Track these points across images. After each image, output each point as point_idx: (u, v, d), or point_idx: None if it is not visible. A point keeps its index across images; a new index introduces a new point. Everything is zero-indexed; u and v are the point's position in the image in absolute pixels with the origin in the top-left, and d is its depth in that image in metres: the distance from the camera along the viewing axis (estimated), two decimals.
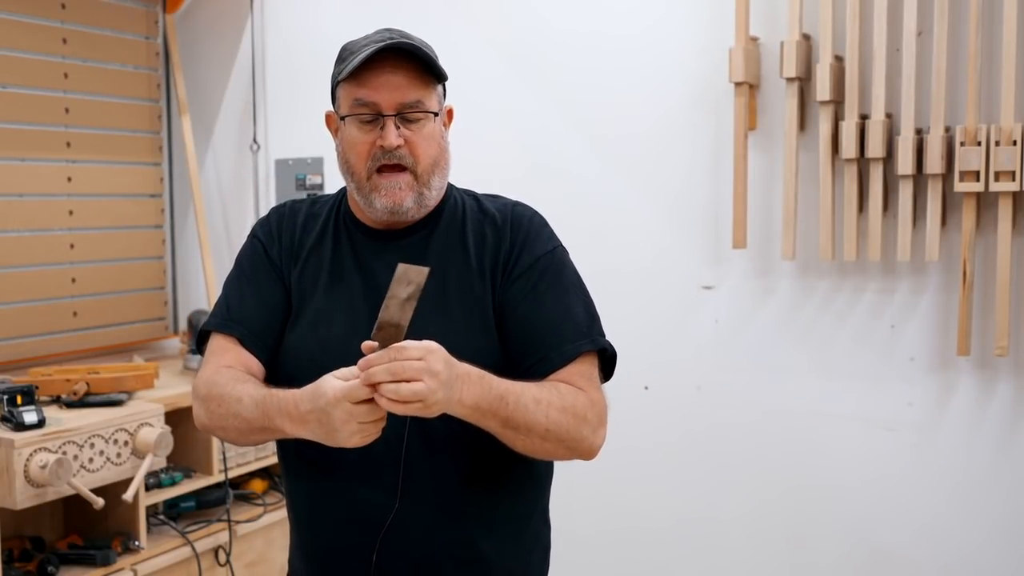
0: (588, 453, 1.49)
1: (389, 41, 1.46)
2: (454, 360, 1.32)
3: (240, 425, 1.45)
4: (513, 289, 1.52)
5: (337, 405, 1.28)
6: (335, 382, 1.29)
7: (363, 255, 1.57)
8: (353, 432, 1.29)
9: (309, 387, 1.33)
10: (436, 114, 1.52)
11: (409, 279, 1.27)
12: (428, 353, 1.28)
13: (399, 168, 1.50)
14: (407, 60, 1.48)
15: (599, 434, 1.49)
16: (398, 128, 1.48)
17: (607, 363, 1.56)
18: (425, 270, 1.28)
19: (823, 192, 2.44)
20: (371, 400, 1.27)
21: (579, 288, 1.58)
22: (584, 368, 1.51)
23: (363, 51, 1.47)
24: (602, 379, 1.56)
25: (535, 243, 1.56)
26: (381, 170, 1.50)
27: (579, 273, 1.60)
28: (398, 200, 1.50)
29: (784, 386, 2.61)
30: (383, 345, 1.28)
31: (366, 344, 1.30)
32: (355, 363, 1.32)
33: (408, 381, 1.26)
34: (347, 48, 1.54)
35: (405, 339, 1.28)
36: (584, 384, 1.49)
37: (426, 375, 1.26)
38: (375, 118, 1.48)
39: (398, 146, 1.48)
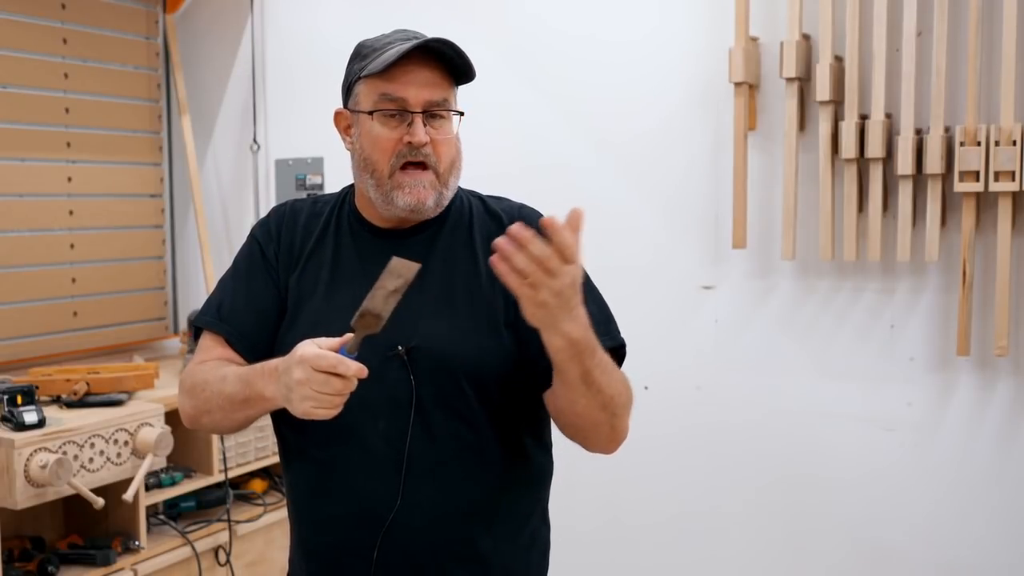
0: (619, 440, 1.50)
1: (421, 39, 1.46)
2: (579, 296, 1.32)
3: (223, 403, 1.47)
4: None
5: (299, 364, 1.29)
6: (308, 345, 1.31)
7: (367, 255, 1.56)
8: (305, 397, 1.29)
9: None
10: (461, 114, 1.53)
11: (399, 273, 1.28)
12: (569, 267, 1.27)
13: (423, 166, 1.50)
14: (435, 59, 1.48)
15: (628, 425, 1.50)
16: (424, 125, 1.48)
17: (616, 360, 1.57)
18: (416, 266, 1.28)
19: (823, 192, 2.44)
20: (333, 374, 1.28)
21: (592, 287, 1.59)
22: None
23: (390, 47, 1.47)
24: None
25: None
26: (405, 167, 1.49)
27: (587, 271, 1.61)
28: (421, 199, 1.49)
29: (784, 386, 2.61)
30: (360, 332, 1.30)
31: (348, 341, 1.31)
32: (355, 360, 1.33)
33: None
34: (367, 46, 1.53)
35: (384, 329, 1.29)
36: None
37: (558, 275, 1.25)
38: (401, 114, 1.48)
39: (425, 143, 1.48)
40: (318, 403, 1.29)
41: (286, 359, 1.34)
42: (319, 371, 1.28)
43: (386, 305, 1.29)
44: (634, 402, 1.53)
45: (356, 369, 1.28)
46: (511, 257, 1.24)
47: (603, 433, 1.48)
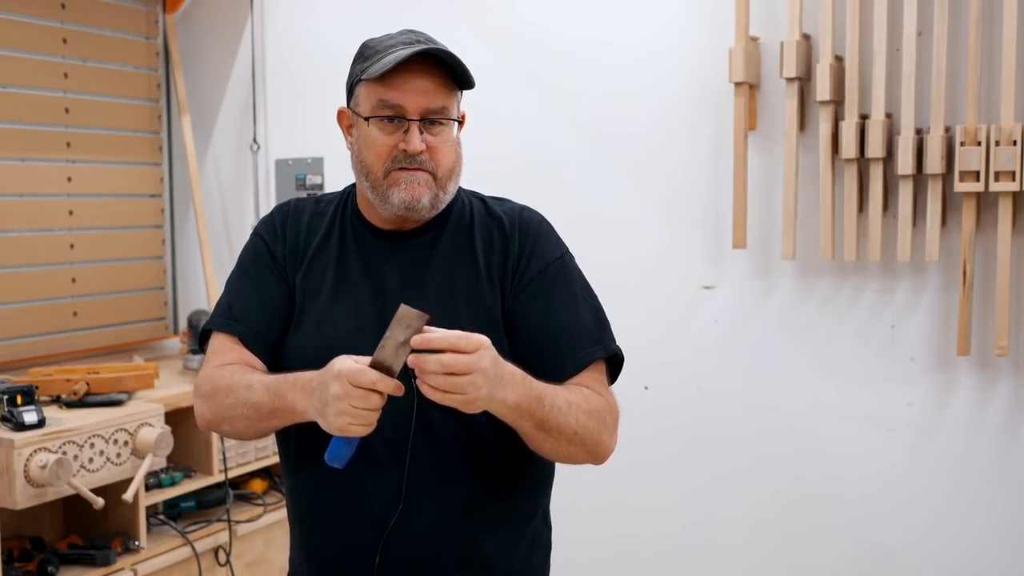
0: (603, 457, 1.50)
1: (421, 46, 1.45)
2: (500, 359, 1.33)
3: (249, 412, 1.45)
4: (524, 296, 1.53)
5: (336, 379, 1.29)
6: (346, 360, 1.30)
7: (370, 256, 1.57)
8: (341, 412, 1.29)
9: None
10: (459, 121, 1.53)
11: (408, 323, 1.27)
12: (481, 348, 1.28)
13: (418, 169, 1.49)
14: (435, 65, 1.47)
15: (614, 439, 1.51)
16: (421, 133, 1.47)
17: (613, 367, 1.57)
18: (426, 316, 1.27)
19: (823, 192, 2.44)
20: (373, 390, 1.28)
21: (589, 294, 1.59)
22: (596, 374, 1.52)
23: (391, 52, 1.46)
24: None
25: (544, 249, 1.56)
26: (400, 168, 1.49)
27: (586, 278, 1.61)
28: (416, 195, 1.49)
29: (784, 386, 2.61)
30: None
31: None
32: None
33: (457, 375, 1.26)
34: (370, 46, 1.52)
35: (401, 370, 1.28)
36: (600, 389, 1.51)
37: (476, 371, 1.27)
38: (398, 120, 1.48)
39: (420, 151, 1.47)
40: (355, 419, 1.29)
41: (320, 373, 1.33)
42: (358, 387, 1.28)
43: (397, 357, 1.28)
44: (619, 416, 1.52)
45: (395, 386, 1.28)
46: (431, 381, 1.27)
47: (580, 458, 1.49)
